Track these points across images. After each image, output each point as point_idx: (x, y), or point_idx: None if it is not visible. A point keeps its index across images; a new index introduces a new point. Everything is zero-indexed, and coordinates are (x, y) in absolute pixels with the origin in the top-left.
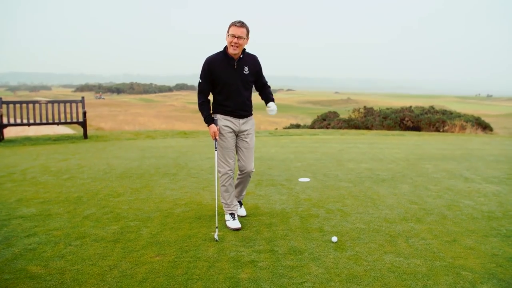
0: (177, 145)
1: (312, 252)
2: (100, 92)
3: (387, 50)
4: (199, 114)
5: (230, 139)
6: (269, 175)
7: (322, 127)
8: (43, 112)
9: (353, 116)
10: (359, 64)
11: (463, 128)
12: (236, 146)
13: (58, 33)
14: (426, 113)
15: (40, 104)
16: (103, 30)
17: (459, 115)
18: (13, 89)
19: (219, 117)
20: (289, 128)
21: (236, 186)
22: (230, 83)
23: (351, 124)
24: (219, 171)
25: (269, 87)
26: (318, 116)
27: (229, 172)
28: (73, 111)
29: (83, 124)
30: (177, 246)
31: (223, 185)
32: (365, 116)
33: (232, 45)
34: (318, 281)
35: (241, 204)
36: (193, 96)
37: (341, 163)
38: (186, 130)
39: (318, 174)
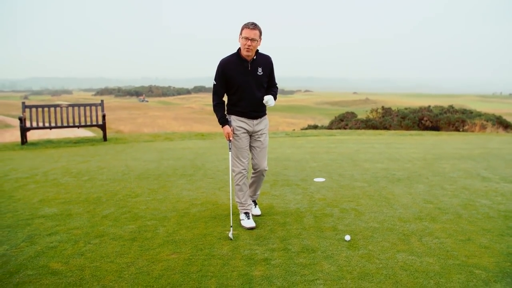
0: (194, 147)
1: (325, 251)
2: (144, 95)
3: (405, 48)
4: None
5: (244, 139)
6: (285, 175)
7: (339, 128)
8: (64, 115)
9: (371, 117)
10: (377, 63)
11: (483, 127)
12: (250, 146)
13: (78, 37)
14: (445, 112)
15: (61, 107)
16: (123, 34)
17: (479, 114)
18: (35, 94)
19: (233, 117)
20: (306, 129)
21: (250, 185)
22: (244, 85)
23: (369, 125)
24: (233, 170)
25: (277, 88)
26: (335, 117)
27: (243, 171)
28: (92, 114)
29: (103, 127)
30: (192, 245)
31: (237, 184)
32: (383, 116)
33: (246, 48)
34: (330, 279)
35: (255, 203)
36: (211, 99)
37: (357, 163)
38: (204, 132)
39: (333, 174)
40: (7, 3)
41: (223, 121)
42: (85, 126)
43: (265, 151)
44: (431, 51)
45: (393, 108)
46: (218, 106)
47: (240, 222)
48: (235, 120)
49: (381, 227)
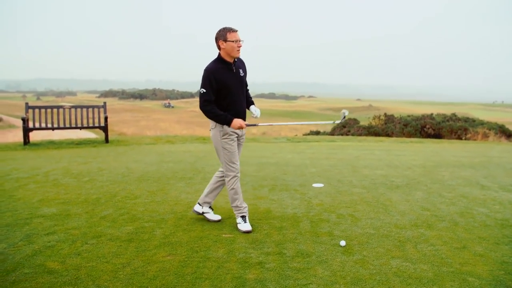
0: (195, 150)
1: (319, 255)
2: (168, 100)
3: (409, 55)
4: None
5: (235, 143)
6: (283, 180)
7: (341, 134)
8: (67, 117)
9: (373, 123)
10: (380, 70)
11: (486, 136)
12: None
13: (83, 40)
14: (447, 120)
15: (64, 109)
16: (127, 38)
17: (482, 123)
18: (40, 94)
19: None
20: (308, 134)
21: (216, 188)
22: (233, 87)
23: (371, 131)
24: (228, 175)
25: (248, 90)
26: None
27: (237, 174)
28: (95, 116)
29: (105, 129)
30: (188, 247)
31: (233, 188)
32: (385, 123)
33: (237, 50)
34: (323, 283)
35: (212, 209)
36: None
37: (356, 169)
38: (205, 135)
39: (332, 180)
40: (13, 5)
41: (230, 117)
42: (88, 127)
43: (240, 154)
44: (434, 58)
45: (395, 115)
46: (214, 108)
47: (236, 226)
48: (227, 126)
49: (376, 233)
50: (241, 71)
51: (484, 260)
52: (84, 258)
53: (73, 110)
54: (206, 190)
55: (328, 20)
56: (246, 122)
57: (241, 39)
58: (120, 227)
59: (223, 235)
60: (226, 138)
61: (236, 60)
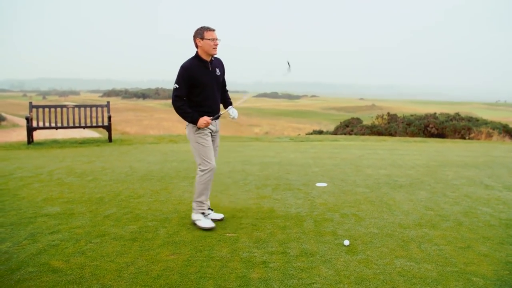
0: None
1: (323, 255)
2: None
3: (411, 54)
4: (223, 119)
5: (210, 139)
6: (287, 180)
7: (344, 133)
8: (71, 116)
9: (376, 123)
10: (384, 69)
11: (489, 135)
12: None
13: (87, 39)
14: (451, 120)
15: (67, 108)
16: (130, 37)
17: (485, 122)
18: (43, 94)
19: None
20: (311, 134)
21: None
22: (208, 85)
23: (374, 131)
24: (202, 170)
25: (227, 90)
26: (340, 123)
27: (212, 170)
28: (98, 116)
29: (108, 128)
30: (192, 246)
31: (203, 183)
32: (388, 123)
33: (214, 47)
34: (327, 283)
35: (211, 209)
36: None
37: (360, 169)
38: None
39: (335, 179)
40: (20, 4)
41: (196, 116)
42: (91, 127)
43: (218, 150)
44: (437, 58)
45: (398, 115)
46: (184, 105)
47: (195, 223)
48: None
49: (380, 233)
50: (217, 70)
51: (488, 260)
52: (88, 257)
53: (76, 109)
54: None
55: (333, 25)
56: (211, 117)
57: (218, 38)
58: (124, 226)
59: (227, 234)
60: (200, 133)
61: (213, 59)
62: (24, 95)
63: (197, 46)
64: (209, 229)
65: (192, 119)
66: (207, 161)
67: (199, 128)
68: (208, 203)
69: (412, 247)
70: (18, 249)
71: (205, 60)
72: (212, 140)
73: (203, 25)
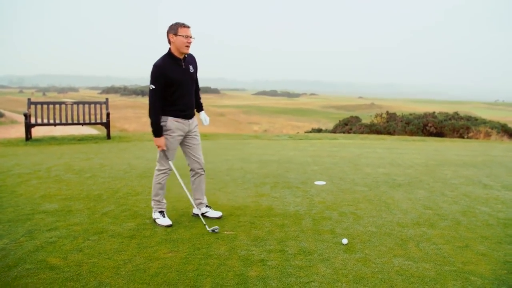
0: None
1: (321, 253)
2: None
3: (411, 53)
4: (221, 117)
5: (177, 141)
6: (286, 178)
7: (343, 132)
8: (69, 113)
9: (375, 121)
10: (383, 68)
11: (488, 135)
12: (186, 145)
13: (86, 36)
14: (450, 119)
15: (66, 105)
16: (129, 34)
17: (484, 122)
18: (42, 90)
19: (170, 119)
20: (310, 132)
21: (197, 188)
22: (183, 83)
23: (373, 129)
24: (159, 169)
25: (199, 89)
26: (339, 121)
27: (168, 171)
28: (97, 112)
29: (107, 125)
30: (190, 243)
31: (159, 183)
32: (387, 122)
33: (187, 46)
34: (325, 281)
35: (209, 207)
36: (216, 99)
37: (359, 167)
38: (206, 132)
39: (334, 177)
40: (20, 4)
41: (160, 132)
42: (90, 124)
43: (200, 147)
44: (437, 57)
45: (397, 114)
46: (158, 113)
47: (154, 221)
48: (172, 122)
49: (379, 232)
50: (191, 67)
51: (486, 259)
52: (86, 254)
53: (75, 106)
54: (193, 193)
55: (334, 24)
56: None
57: (192, 35)
58: (121, 224)
59: (225, 232)
60: (168, 135)
61: (186, 56)
62: (21, 91)
63: (170, 42)
64: (167, 226)
65: (154, 131)
66: (164, 162)
67: (169, 129)
68: (205, 200)
69: (411, 246)
70: (16, 246)
71: (177, 58)
72: (191, 139)
73: (178, 21)
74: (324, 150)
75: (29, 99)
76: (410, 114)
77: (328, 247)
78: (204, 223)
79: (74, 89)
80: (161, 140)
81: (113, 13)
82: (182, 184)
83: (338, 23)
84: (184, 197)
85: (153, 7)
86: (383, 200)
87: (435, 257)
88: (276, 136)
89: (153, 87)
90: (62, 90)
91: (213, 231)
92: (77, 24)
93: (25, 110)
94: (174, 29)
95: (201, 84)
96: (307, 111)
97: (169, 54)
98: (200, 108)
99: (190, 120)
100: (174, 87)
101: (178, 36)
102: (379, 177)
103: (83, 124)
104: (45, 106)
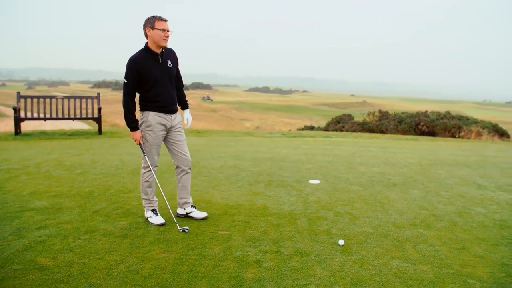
0: (189, 143)
1: (318, 255)
2: (207, 93)
3: (405, 53)
4: (215, 113)
5: (160, 136)
6: (280, 176)
7: (336, 130)
8: (60, 107)
9: (367, 120)
10: (376, 67)
11: (479, 134)
12: (169, 142)
13: (78, 29)
14: (441, 118)
15: (56, 99)
16: (121, 28)
17: (475, 121)
18: (32, 84)
19: (151, 114)
20: (302, 129)
21: (182, 187)
22: (160, 78)
23: (365, 128)
24: (144, 167)
25: (183, 85)
26: (332, 119)
27: (155, 168)
28: (88, 107)
29: (98, 120)
30: (183, 244)
31: (147, 181)
32: (379, 120)
33: (164, 39)
34: (323, 284)
35: (195, 207)
36: (208, 95)
37: (353, 166)
38: (200, 129)
39: (329, 176)
40: None
41: (136, 126)
42: (81, 118)
43: (186, 144)
44: (430, 57)
45: (390, 112)
46: (131, 108)
47: (147, 220)
48: (153, 117)
49: (375, 233)
50: (169, 62)
51: (484, 262)
52: (77, 254)
53: (66, 100)
54: (178, 192)
55: (326, 20)
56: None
57: (170, 29)
58: (113, 222)
59: (219, 232)
60: (149, 130)
61: (164, 50)
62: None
63: (146, 36)
64: (160, 225)
65: (130, 125)
66: (146, 160)
67: (150, 125)
68: (190, 200)
69: (408, 247)
70: (3, 245)
71: (155, 52)
72: (175, 135)
73: (154, 14)
74: (317, 148)
75: (18, 93)
76: (403, 113)
77: (324, 248)
78: (176, 222)
79: (65, 83)
80: (137, 134)
81: (104, 5)
82: (157, 183)
83: (332, 20)
84: (176, 195)
85: (153, 3)
86: (378, 200)
87: (433, 259)
88: (269, 133)
89: (126, 81)
90: (52, 84)
91: (183, 231)
92: (68, 16)
93: (14, 103)
94: (151, 22)
95: (192, 79)
96: (299, 108)
97: (146, 48)
98: (184, 106)
99: (172, 116)
100: (151, 83)
101: (155, 30)
102: (373, 176)
103: (74, 119)
104: (35, 100)
